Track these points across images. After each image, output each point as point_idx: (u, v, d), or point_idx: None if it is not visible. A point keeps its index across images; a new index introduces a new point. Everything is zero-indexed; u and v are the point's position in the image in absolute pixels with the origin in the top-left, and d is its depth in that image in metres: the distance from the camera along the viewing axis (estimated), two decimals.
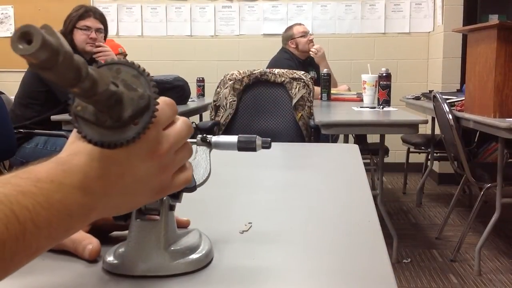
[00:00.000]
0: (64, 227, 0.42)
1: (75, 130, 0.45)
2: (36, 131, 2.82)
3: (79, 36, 2.95)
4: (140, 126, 0.43)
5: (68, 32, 2.93)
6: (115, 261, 0.56)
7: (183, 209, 0.64)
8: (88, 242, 0.59)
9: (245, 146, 0.63)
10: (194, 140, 0.63)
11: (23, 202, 0.37)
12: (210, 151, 0.63)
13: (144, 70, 0.45)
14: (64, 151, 0.45)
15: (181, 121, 0.49)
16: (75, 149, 0.44)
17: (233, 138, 0.63)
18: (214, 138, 0.63)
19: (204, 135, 0.63)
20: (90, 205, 0.43)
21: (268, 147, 0.65)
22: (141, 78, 0.45)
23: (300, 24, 4.18)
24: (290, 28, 4.17)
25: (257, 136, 0.64)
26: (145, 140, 0.44)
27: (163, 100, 0.47)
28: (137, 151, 0.45)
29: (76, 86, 0.37)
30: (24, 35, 0.32)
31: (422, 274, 2.68)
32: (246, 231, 0.71)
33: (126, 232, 0.57)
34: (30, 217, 0.37)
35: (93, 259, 0.59)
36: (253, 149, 0.63)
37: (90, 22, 2.96)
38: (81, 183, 0.42)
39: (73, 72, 0.36)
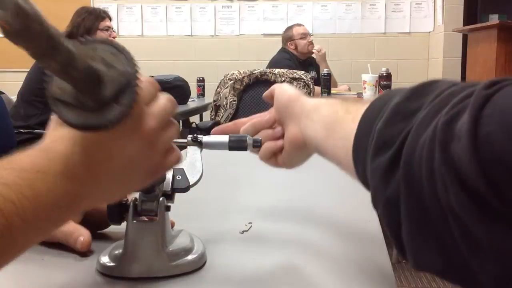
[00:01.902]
0: (52, 218, 0.40)
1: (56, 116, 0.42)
2: (37, 131, 2.81)
3: (103, 37, 3.00)
4: (124, 105, 0.41)
5: (91, 36, 2.96)
6: (111, 263, 0.55)
7: (183, 209, 0.64)
8: (79, 234, 0.60)
9: (236, 146, 0.63)
10: (185, 140, 0.63)
11: (7, 195, 0.36)
12: (201, 151, 0.62)
13: (123, 47, 0.43)
14: (46, 138, 0.43)
15: (164, 97, 0.47)
16: (57, 135, 0.42)
17: (224, 138, 0.63)
18: (205, 138, 0.63)
19: (195, 135, 0.63)
20: (78, 193, 0.41)
21: (259, 146, 0.65)
22: (121, 55, 0.42)
23: (299, 25, 4.17)
24: (289, 28, 4.16)
25: (248, 136, 0.64)
26: (129, 118, 0.42)
27: (144, 79, 0.44)
28: (123, 131, 0.42)
29: (51, 57, 0.35)
30: None
31: (422, 274, 2.68)
32: (246, 231, 0.71)
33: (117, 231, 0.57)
34: (16, 211, 0.36)
35: (84, 250, 0.60)
36: (244, 149, 0.63)
37: (109, 22, 3.03)
38: (66, 170, 0.40)
39: (47, 40, 0.34)
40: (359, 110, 0.50)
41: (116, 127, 0.41)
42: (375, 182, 0.43)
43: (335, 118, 0.55)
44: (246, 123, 0.71)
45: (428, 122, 0.38)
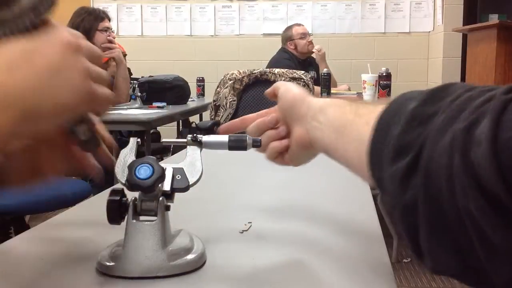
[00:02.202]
0: None
1: None
2: None
3: (101, 38, 3.00)
4: (40, 11, 0.45)
5: (90, 36, 2.95)
6: (111, 263, 0.55)
7: (182, 209, 0.64)
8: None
9: (235, 145, 0.63)
10: (185, 140, 0.63)
11: None
12: (201, 151, 0.63)
13: None
14: None
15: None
16: None
17: (224, 138, 0.63)
18: (204, 138, 0.63)
19: (195, 134, 0.63)
20: (3, 100, 0.42)
21: (259, 145, 0.65)
22: None
23: (299, 25, 4.17)
24: (289, 28, 4.16)
25: (248, 135, 0.64)
26: (50, 27, 0.46)
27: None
28: (43, 36, 0.45)
29: None
30: None
31: (422, 273, 2.68)
32: (246, 230, 0.71)
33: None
34: None
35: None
36: (244, 148, 0.64)
37: (108, 23, 3.03)
38: None
39: None
40: (371, 114, 0.49)
41: (38, 31, 0.45)
42: (393, 187, 0.42)
43: (345, 120, 0.55)
44: (253, 119, 0.71)
45: (446, 127, 0.38)
